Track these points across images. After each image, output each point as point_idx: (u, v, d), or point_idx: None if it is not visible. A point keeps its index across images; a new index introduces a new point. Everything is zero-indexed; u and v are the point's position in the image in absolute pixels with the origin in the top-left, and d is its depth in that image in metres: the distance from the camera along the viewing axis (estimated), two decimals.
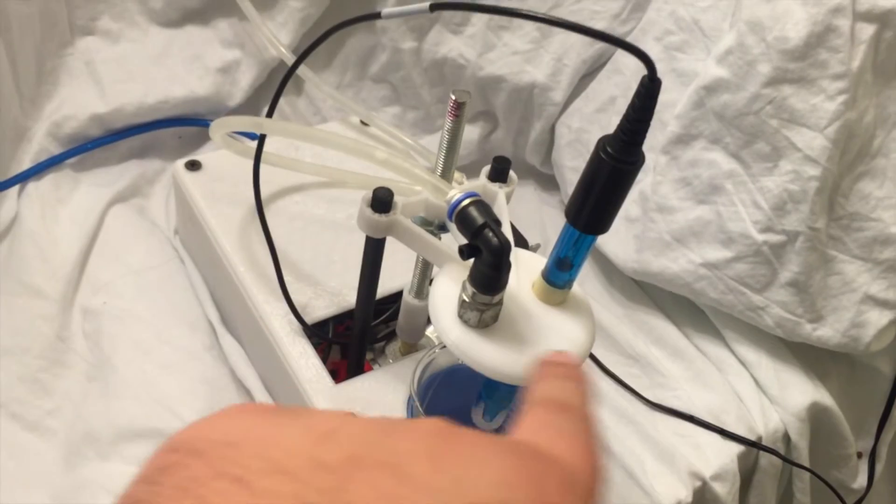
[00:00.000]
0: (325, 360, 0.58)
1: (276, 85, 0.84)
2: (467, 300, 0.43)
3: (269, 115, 0.52)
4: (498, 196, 0.52)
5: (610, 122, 0.74)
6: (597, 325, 0.71)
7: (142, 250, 0.72)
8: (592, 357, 0.71)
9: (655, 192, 0.69)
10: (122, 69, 0.79)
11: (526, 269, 0.48)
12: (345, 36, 0.84)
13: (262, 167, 0.64)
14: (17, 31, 0.73)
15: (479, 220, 0.42)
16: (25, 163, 0.75)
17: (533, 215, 0.83)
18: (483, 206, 0.43)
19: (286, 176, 0.66)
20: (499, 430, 0.57)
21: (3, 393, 0.63)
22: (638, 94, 0.38)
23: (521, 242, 0.69)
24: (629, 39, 0.75)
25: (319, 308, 0.59)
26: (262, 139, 0.53)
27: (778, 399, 0.69)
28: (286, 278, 0.60)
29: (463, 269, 0.46)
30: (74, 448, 0.60)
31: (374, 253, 0.51)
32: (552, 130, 0.82)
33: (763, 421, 0.68)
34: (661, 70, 0.70)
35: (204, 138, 0.83)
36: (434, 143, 0.86)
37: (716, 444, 0.66)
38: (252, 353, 0.63)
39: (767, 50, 0.61)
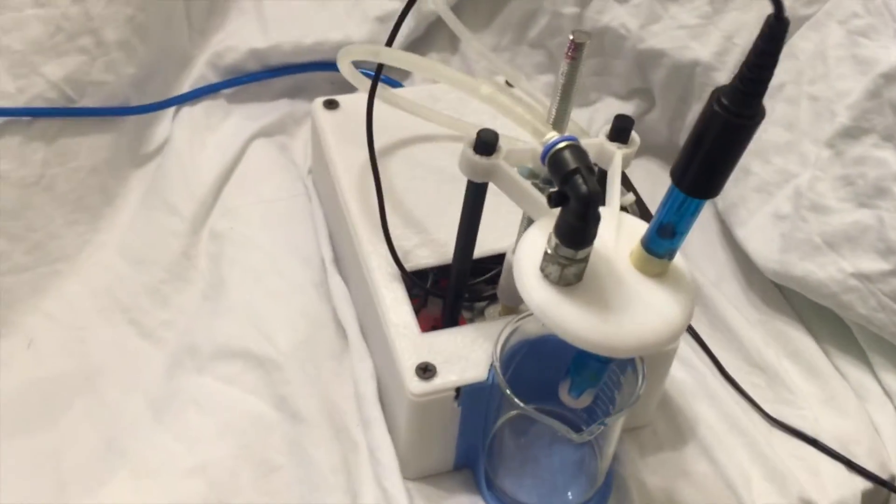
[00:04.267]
0: (418, 310, 0.56)
1: (432, 39, 0.84)
2: (550, 252, 0.40)
3: (389, 44, 0.51)
4: (615, 157, 0.48)
5: (774, 110, 0.68)
6: (726, 327, 0.67)
7: (274, 183, 0.74)
8: (713, 359, 0.65)
9: (812, 189, 0.62)
10: (287, 9, 0.81)
11: (629, 235, 0.44)
12: None
13: (399, 114, 0.64)
14: None
15: (572, 164, 0.39)
16: (185, 88, 0.78)
17: None
18: (579, 151, 0.40)
19: (421, 125, 0.65)
20: (587, 411, 0.54)
21: (129, 299, 0.66)
22: (762, 36, 0.33)
23: (647, 217, 0.64)
24: (812, 22, 0.69)
25: (422, 257, 0.58)
26: (378, 69, 0.52)
27: None
28: (395, 223, 0.59)
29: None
30: (177, 359, 0.62)
31: (474, 198, 0.48)
32: None
33: None
34: (841, 56, 0.64)
35: (353, 87, 0.84)
36: (585, 116, 0.83)
37: (838, 475, 0.59)
38: (354, 293, 0.63)
39: None
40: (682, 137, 0.79)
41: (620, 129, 0.48)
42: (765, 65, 0.33)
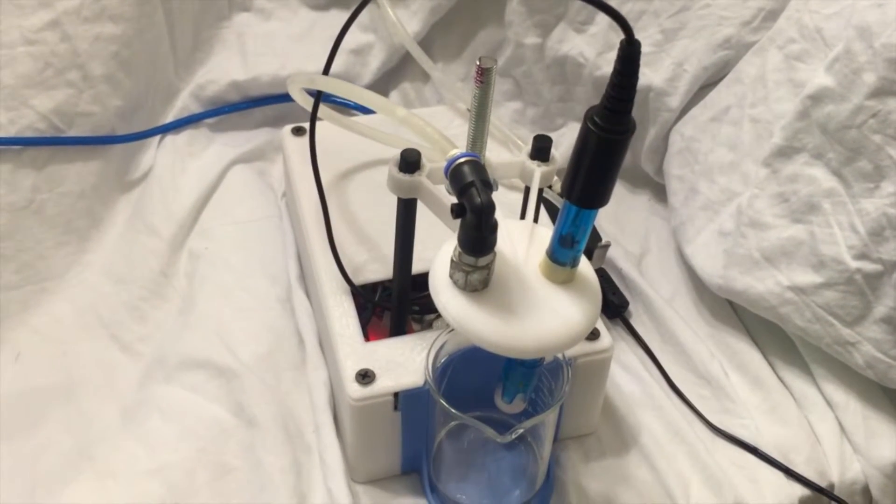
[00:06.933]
0: (365, 323, 0.59)
1: (405, 70, 0.89)
2: (455, 260, 0.44)
3: (326, 72, 0.55)
4: (535, 174, 0.51)
5: (720, 132, 0.71)
6: (676, 341, 0.69)
7: (250, 205, 0.78)
8: (661, 370, 0.68)
9: (750, 206, 0.65)
10: (267, 44, 0.86)
11: (540, 246, 0.47)
12: (476, 28, 0.86)
13: (360, 139, 0.68)
14: (178, 2, 0.81)
15: (469, 178, 0.42)
16: (169, 118, 0.83)
17: (639, 224, 0.81)
18: (477, 166, 0.43)
19: (384, 150, 0.69)
20: (521, 415, 0.56)
21: (110, 315, 0.70)
22: (618, 59, 0.37)
23: (594, 238, 0.67)
24: (756, 48, 0.72)
25: (371, 271, 0.61)
26: (318, 95, 0.56)
27: (862, 448, 0.62)
28: (350, 240, 0.62)
29: None
30: (149, 371, 0.66)
31: (405, 215, 0.52)
32: (668, 138, 0.79)
33: (840, 469, 0.62)
34: (779, 79, 0.67)
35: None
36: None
37: (777, 483, 0.61)
38: (314, 307, 0.67)
39: (874, 58, 0.56)
40: (642, 159, 0.82)
41: (540, 149, 0.52)
42: (625, 85, 0.37)
